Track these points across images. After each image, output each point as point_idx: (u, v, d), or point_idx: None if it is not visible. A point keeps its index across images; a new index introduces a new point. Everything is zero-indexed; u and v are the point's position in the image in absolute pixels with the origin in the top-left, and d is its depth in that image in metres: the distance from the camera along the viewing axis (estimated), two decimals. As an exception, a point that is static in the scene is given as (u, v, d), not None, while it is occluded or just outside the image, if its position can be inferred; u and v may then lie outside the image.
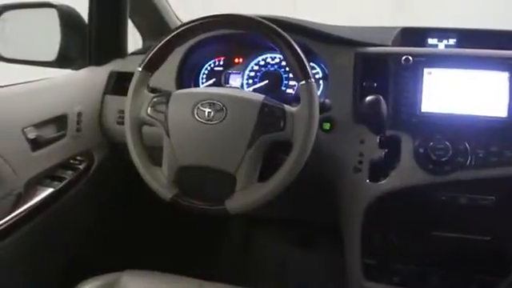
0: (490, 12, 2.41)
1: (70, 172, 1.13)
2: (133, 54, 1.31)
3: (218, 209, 0.86)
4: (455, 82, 0.96)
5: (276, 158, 0.87)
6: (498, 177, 0.92)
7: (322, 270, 1.49)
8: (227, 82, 1.23)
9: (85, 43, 1.23)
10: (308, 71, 0.84)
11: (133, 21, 1.36)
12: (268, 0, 2.56)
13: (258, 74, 1.20)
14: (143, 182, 0.90)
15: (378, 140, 0.96)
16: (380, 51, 1.03)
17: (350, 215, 1.03)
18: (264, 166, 0.86)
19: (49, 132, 1.05)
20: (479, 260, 1.00)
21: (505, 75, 0.93)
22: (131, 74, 0.92)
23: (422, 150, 0.93)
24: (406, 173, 0.95)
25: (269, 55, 1.20)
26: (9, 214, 0.97)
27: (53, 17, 1.13)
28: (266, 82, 1.19)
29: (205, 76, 1.24)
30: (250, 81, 1.21)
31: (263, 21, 0.87)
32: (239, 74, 1.21)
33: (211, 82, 1.23)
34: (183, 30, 0.90)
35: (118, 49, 1.28)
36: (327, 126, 1.02)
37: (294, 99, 0.90)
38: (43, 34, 1.18)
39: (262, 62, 1.21)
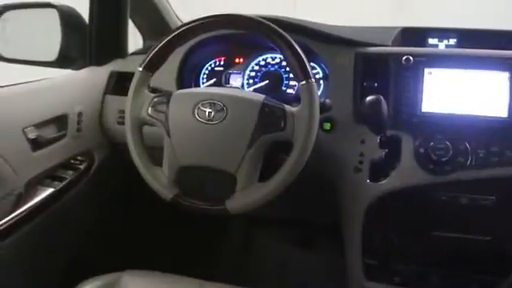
0: (490, 12, 2.40)
1: (70, 172, 1.13)
2: (133, 54, 1.32)
3: (219, 209, 0.86)
4: (456, 81, 0.96)
5: (276, 158, 0.87)
6: (498, 177, 0.92)
7: (322, 270, 1.49)
8: (228, 82, 1.23)
9: (85, 43, 1.23)
10: (308, 71, 0.84)
11: (133, 21, 1.36)
12: (268, 0, 2.55)
13: (259, 74, 1.20)
14: (144, 182, 0.90)
15: (378, 140, 0.96)
16: (380, 51, 1.03)
17: (350, 215, 1.03)
18: (264, 166, 0.86)
19: (49, 132, 1.05)
20: (480, 260, 1.00)
21: (505, 75, 0.93)
22: (132, 74, 0.92)
23: (422, 150, 0.93)
24: (407, 173, 0.95)
25: (269, 55, 1.20)
26: (9, 214, 0.97)
27: (53, 17, 1.13)
28: (267, 82, 1.19)
29: (205, 76, 1.24)
30: (251, 81, 1.21)
31: (263, 21, 0.87)
32: (240, 74, 1.21)
33: (212, 82, 1.24)
34: (184, 30, 0.90)
35: (118, 49, 1.28)
36: (328, 126, 1.02)
37: (295, 99, 0.90)
38: (44, 34, 1.18)
39: (263, 62, 1.21)
